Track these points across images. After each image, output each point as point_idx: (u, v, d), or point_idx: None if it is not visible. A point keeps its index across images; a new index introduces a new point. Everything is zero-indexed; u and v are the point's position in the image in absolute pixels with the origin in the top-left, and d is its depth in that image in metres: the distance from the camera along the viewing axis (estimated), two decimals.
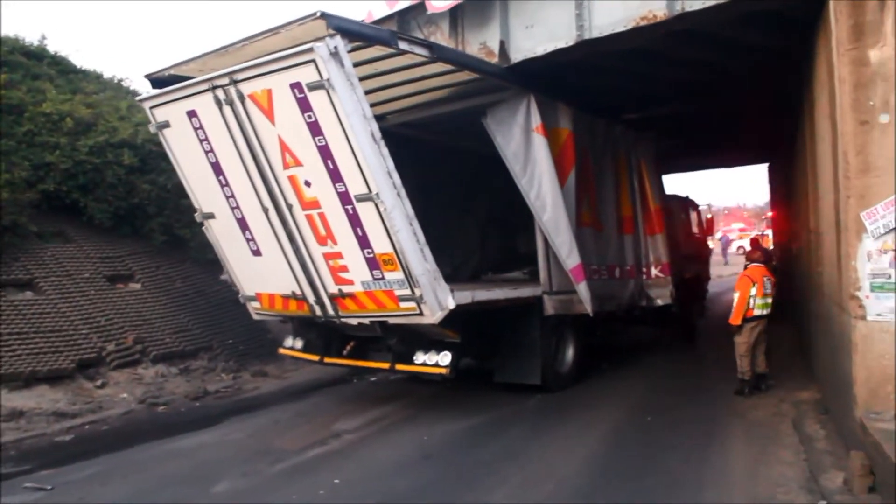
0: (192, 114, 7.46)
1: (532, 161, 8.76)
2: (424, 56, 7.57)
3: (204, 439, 7.85)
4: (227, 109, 7.13)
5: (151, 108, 7.81)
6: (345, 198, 6.88)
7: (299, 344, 9.16)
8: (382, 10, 9.99)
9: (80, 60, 16.03)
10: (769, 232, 25.99)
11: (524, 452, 6.96)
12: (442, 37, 9.66)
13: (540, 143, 8.77)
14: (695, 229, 14.73)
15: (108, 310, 11.29)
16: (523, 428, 7.91)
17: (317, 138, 6.71)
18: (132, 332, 11.12)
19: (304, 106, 6.60)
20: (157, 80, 7.97)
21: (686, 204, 14.61)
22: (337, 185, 6.85)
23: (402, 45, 7.26)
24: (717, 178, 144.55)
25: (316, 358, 8.94)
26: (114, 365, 10.27)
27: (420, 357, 7.93)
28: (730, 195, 76.86)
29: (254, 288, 8.58)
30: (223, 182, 7.72)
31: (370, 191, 6.66)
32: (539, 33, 8.86)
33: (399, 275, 7.02)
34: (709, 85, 11.42)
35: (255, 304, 8.75)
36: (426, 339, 7.94)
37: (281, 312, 8.56)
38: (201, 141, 7.56)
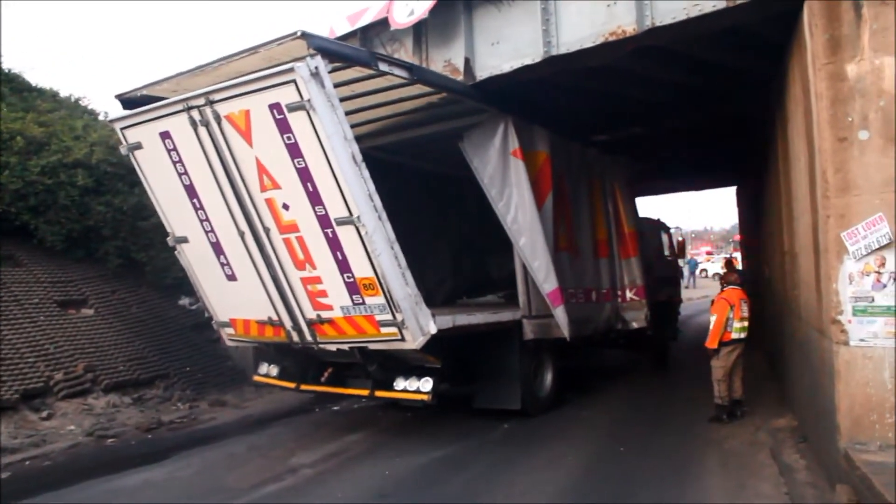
0: (165, 135, 7.50)
1: (509, 185, 8.97)
2: (404, 78, 7.74)
3: (151, 476, 7.69)
4: (202, 130, 7.19)
5: (123, 129, 7.82)
6: (324, 221, 6.95)
7: (274, 371, 9.20)
8: (344, 28, 10.02)
9: (37, 78, 16.02)
10: (737, 255, 26.67)
11: (488, 490, 6.86)
12: (406, 54, 9.72)
13: (517, 167, 9.00)
14: (666, 252, 15.15)
15: (57, 337, 11.16)
16: (490, 461, 7.84)
17: (296, 160, 6.77)
18: (83, 360, 10.98)
19: (284, 127, 6.67)
20: (129, 101, 8.05)
21: (657, 227, 15.00)
22: (316, 208, 6.93)
23: (382, 67, 7.42)
24: (684, 201, 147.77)
25: (292, 385, 8.98)
26: (62, 395, 10.13)
27: (400, 383, 8.03)
28: (696, 219, 79.03)
29: (228, 313, 8.60)
30: (197, 205, 7.75)
31: (351, 214, 6.74)
32: (505, 50, 8.90)
33: (380, 299, 7.10)
34: (678, 105, 11.66)
35: (230, 330, 8.76)
36: (406, 364, 8.05)
37: (256, 339, 8.58)
38: (175, 163, 7.60)
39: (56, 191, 12.31)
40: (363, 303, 7.25)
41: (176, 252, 8.58)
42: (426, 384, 7.87)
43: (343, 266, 7.14)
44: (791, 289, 8.75)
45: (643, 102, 11.33)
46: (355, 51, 7.82)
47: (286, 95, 6.52)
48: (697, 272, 38.83)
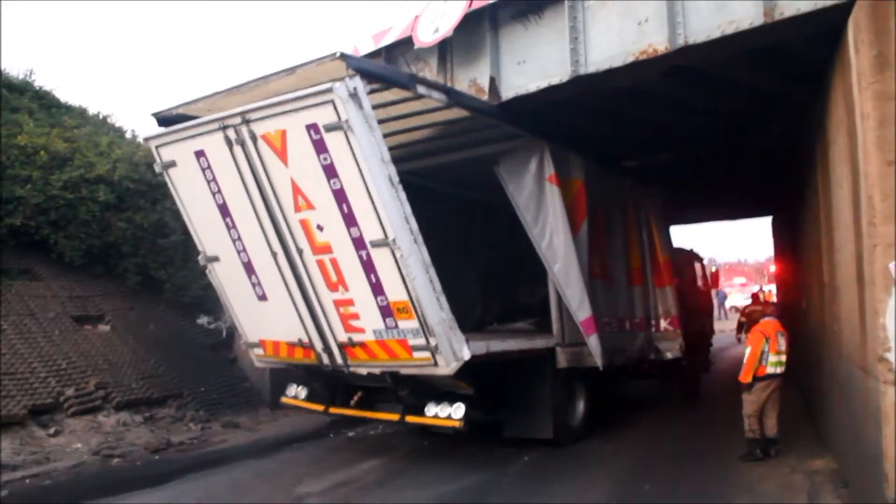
0: (200, 153, 7.66)
1: (544, 211, 9.08)
2: (441, 101, 7.88)
3: (149, 501, 7.66)
4: (237, 149, 7.33)
5: (157, 146, 7.99)
6: (359, 243, 7.05)
7: (303, 393, 9.29)
8: (368, 46, 10.10)
9: (66, 95, 16.44)
10: (770, 287, 26.53)
11: None
12: (430, 73, 9.74)
13: (553, 193, 9.12)
14: (699, 282, 15.21)
15: (71, 352, 11.29)
16: (507, 496, 7.74)
17: (332, 181, 6.89)
18: (95, 377, 11.09)
19: (320, 147, 6.79)
20: (164, 119, 8.23)
21: (691, 257, 15.09)
22: (351, 229, 7.02)
23: (421, 90, 7.53)
24: (717, 232, 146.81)
25: (320, 408, 9.06)
26: (71, 412, 10.22)
27: (432, 409, 8.08)
28: (730, 250, 78.69)
29: (258, 334, 8.71)
30: (230, 224, 7.89)
31: (386, 236, 6.82)
32: (531, 70, 8.82)
33: (414, 323, 7.17)
34: (710, 131, 11.53)
35: (259, 351, 8.87)
36: (437, 390, 8.10)
37: (285, 360, 8.67)
38: (209, 181, 7.75)
39: (77, 206, 12.58)
40: (396, 326, 7.33)
41: (207, 271, 8.73)
42: (458, 410, 7.92)
43: (377, 289, 7.22)
44: (831, 323, 8.39)
45: (674, 128, 11.28)
46: (394, 72, 7.98)
47: (324, 116, 6.64)
48: (727, 305, 38.38)
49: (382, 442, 10.35)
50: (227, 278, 8.52)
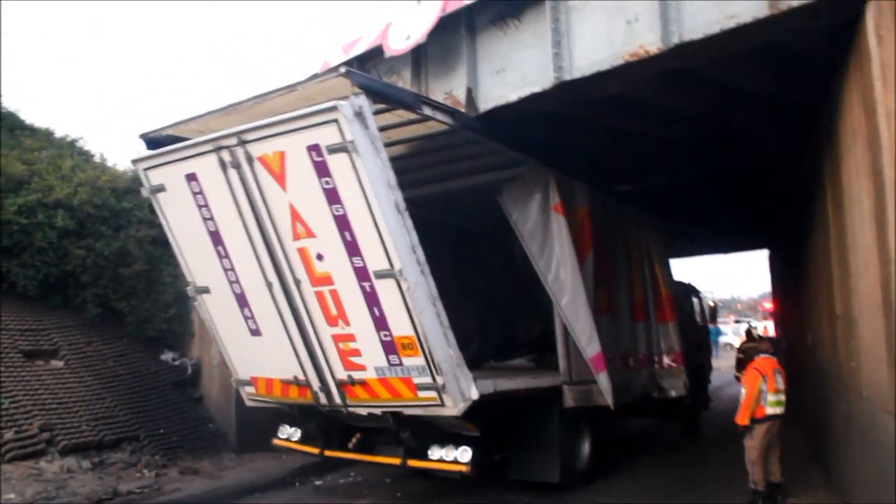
0: (191, 177, 7.53)
1: (550, 240, 9.09)
2: (446, 124, 7.88)
3: None
4: (232, 173, 7.22)
5: (146, 169, 7.85)
6: (362, 274, 6.92)
7: (296, 435, 9.13)
8: (338, 58, 9.97)
9: (33, 118, 16.25)
10: (764, 324, 26.87)
11: None
12: (404, 85, 9.60)
13: (559, 223, 9.14)
14: (697, 318, 15.39)
15: (16, 390, 10.95)
16: None
17: (334, 207, 6.77)
18: (41, 418, 10.70)
19: (322, 171, 6.67)
20: (153, 141, 8.09)
21: (688, 291, 15.28)
22: (354, 259, 6.90)
23: (426, 111, 7.53)
24: (709, 268, 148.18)
25: (315, 451, 8.90)
26: (9, 457, 9.83)
27: (436, 452, 7.95)
28: (724, 287, 79.94)
29: (249, 371, 8.54)
30: (222, 253, 7.75)
31: (392, 267, 6.71)
32: (511, 79, 8.66)
33: (419, 360, 7.05)
34: (707, 145, 11.32)
35: (250, 389, 8.69)
36: (441, 431, 7.99)
37: (279, 399, 8.49)
38: (200, 207, 7.61)
39: (32, 232, 12.34)
40: (400, 364, 7.20)
41: (196, 303, 8.54)
42: (464, 454, 7.80)
43: (380, 323, 7.10)
44: (846, 361, 8.10)
45: (668, 144, 11.09)
46: (399, 91, 7.90)
47: (327, 136, 6.52)
48: (721, 342, 38.70)
49: (351, 492, 10.12)
50: (217, 311, 8.35)
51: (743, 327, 28.90)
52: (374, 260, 6.84)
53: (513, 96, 8.62)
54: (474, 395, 7.21)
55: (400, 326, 7.03)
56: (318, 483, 10.75)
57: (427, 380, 7.15)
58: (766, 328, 22.79)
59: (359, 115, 6.47)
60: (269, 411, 10.94)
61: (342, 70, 6.62)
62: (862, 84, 6.18)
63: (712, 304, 18.80)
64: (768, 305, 29.19)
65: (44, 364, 12.09)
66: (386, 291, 6.92)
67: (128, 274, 13.25)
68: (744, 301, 75.65)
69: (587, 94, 8.53)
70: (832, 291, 8.82)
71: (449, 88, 9.22)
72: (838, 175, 7.77)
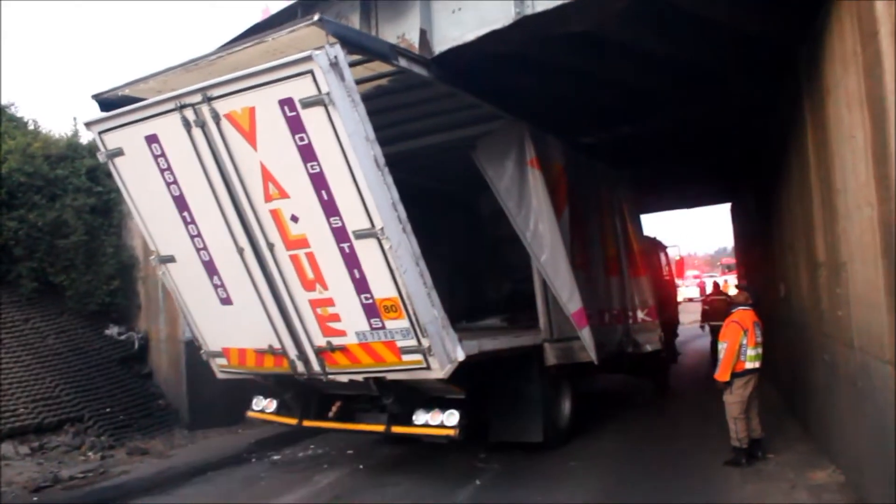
0: (152, 139, 7.28)
1: (527, 197, 9.10)
2: (422, 76, 7.78)
3: None
4: (196, 132, 6.99)
5: (101, 132, 7.57)
6: (340, 234, 6.79)
7: (272, 406, 9.04)
8: (280, 4, 9.61)
9: None
10: (724, 279, 27.49)
11: None
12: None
13: (535, 178, 9.15)
14: (664, 272, 15.70)
15: None
16: None
17: (309, 164, 6.59)
18: None
19: (296, 126, 6.48)
20: (107, 102, 7.78)
21: (655, 245, 15.54)
22: (331, 219, 6.76)
23: (402, 62, 7.42)
24: (665, 224, 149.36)
25: (293, 421, 8.81)
26: None
27: (421, 417, 7.93)
28: (679, 242, 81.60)
29: (220, 342, 8.37)
30: (188, 219, 7.54)
31: (373, 226, 6.59)
32: (469, 18, 8.37)
33: (403, 323, 6.97)
34: (675, 93, 11.22)
35: (221, 361, 8.53)
36: (425, 396, 7.99)
37: (253, 370, 8.36)
38: (163, 171, 7.38)
39: None
40: (383, 327, 7.12)
41: (161, 273, 8.32)
42: (451, 417, 7.79)
43: (360, 286, 6.98)
44: (830, 310, 7.91)
45: (633, 90, 10.92)
46: (374, 41, 7.70)
47: (301, 89, 6.33)
48: (679, 298, 39.51)
49: (311, 466, 9.98)
50: (184, 280, 8.14)
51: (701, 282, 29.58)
52: (354, 219, 6.70)
53: (470, 36, 8.33)
54: (460, 356, 7.19)
55: (382, 288, 6.92)
56: (275, 458, 10.60)
57: (412, 343, 7.09)
58: (726, 282, 23.36)
59: (334, 65, 6.27)
60: (220, 385, 10.80)
61: (315, 18, 6.37)
62: (858, 9, 5.94)
63: (679, 258, 19.22)
64: (728, 260, 29.85)
65: None
66: (366, 252, 6.81)
67: (65, 245, 12.92)
68: (701, 257, 77.41)
69: (551, 31, 8.27)
70: (812, 238, 8.69)
71: (401, 32, 8.93)
72: (822, 112, 7.60)
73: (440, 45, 8.57)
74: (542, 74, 9.90)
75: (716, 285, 19.01)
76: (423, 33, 8.64)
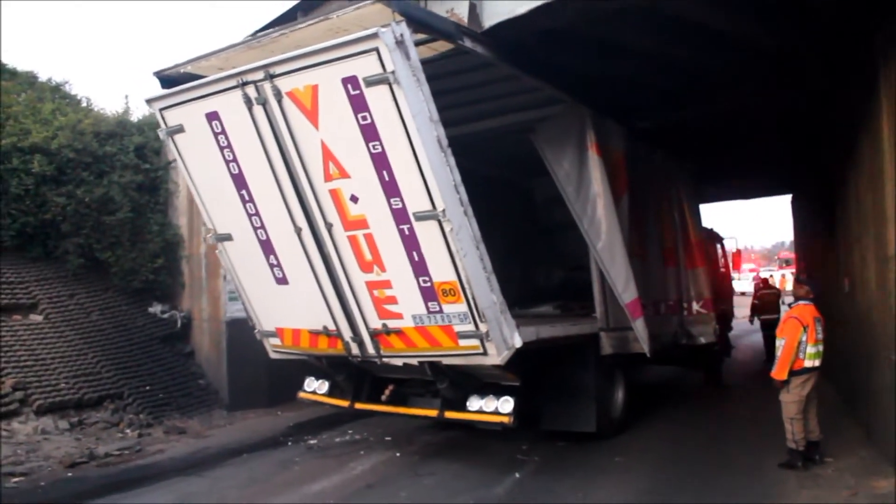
0: (212, 116, 7.41)
1: (586, 183, 9.15)
2: (486, 58, 7.81)
3: None
4: (258, 110, 7.10)
5: (162, 109, 7.74)
6: (400, 216, 6.85)
7: (324, 387, 9.23)
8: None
9: (16, 61, 16.02)
10: (781, 273, 27.34)
11: None
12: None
13: (595, 163, 9.20)
14: (720, 264, 15.73)
15: None
16: None
17: (371, 144, 6.64)
18: (15, 376, 10.67)
19: (359, 105, 6.53)
20: (168, 79, 7.98)
21: (712, 237, 15.58)
22: (392, 200, 6.81)
23: (467, 43, 7.45)
24: (721, 217, 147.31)
25: (345, 404, 8.98)
26: None
27: (475, 403, 8.01)
28: (734, 235, 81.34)
29: (274, 322, 8.53)
30: (246, 197, 7.68)
31: (434, 207, 6.63)
32: None
33: (461, 307, 7.02)
34: (742, 76, 10.89)
35: (275, 341, 8.69)
36: (479, 382, 8.07)
37: (307, 351, 8.50)
38: (222, 148, 7.52)
39: (7, 178, 12.27)
40: (440, 311, 7.18)
41: (217, 251, 8.49)
42: (506, 404, 7.84)
43: (419, 268, 7.04)
44: None
45: (696, 71, 10.63)
46: (440, 20, 7.69)
47: (365, 67, 6.37)
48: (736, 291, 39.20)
49: (347, 452, 9.93)
50: (240, 259, 8.31)
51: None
52: (415, 200, 6.76)
53: (521, 9, 8.03)
54: (518, 342, 7.22)
55: (441, 271, 6.98)
56: (312, 442, 10.59)
57: (469, 327, 7.13)
58: (784, 276, 23.30)
59: (400, 43, 6.31)
60: (260, 366, 11.01)
61: None
62: None
63: (736, 251, 19.21)
64: (785, 254, 29.61)
65: (21, 319, 12.07)
66: (426, 234, 6.86)
67: (112, 222, 13.19)
68: (758, 251, 76.87)
69: (603, 6, 8.11)
70: (883, 231, 8.29)
71: (450, 7, 8.65)
72: None
73: (489, 19, 8.41)
74: (598, 53, 9.71)
75: (764, 280, 19.22)
76: (472, 8, 8.49)
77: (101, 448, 9.99)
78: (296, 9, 9.11)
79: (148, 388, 12.22)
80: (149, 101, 7.98)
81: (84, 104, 15.39)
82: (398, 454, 9.75)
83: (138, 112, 14.77)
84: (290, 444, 10.58)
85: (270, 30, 7.36)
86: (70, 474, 9.08)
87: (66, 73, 49.61)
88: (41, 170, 12.56)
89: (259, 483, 8.68)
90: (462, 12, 8.46)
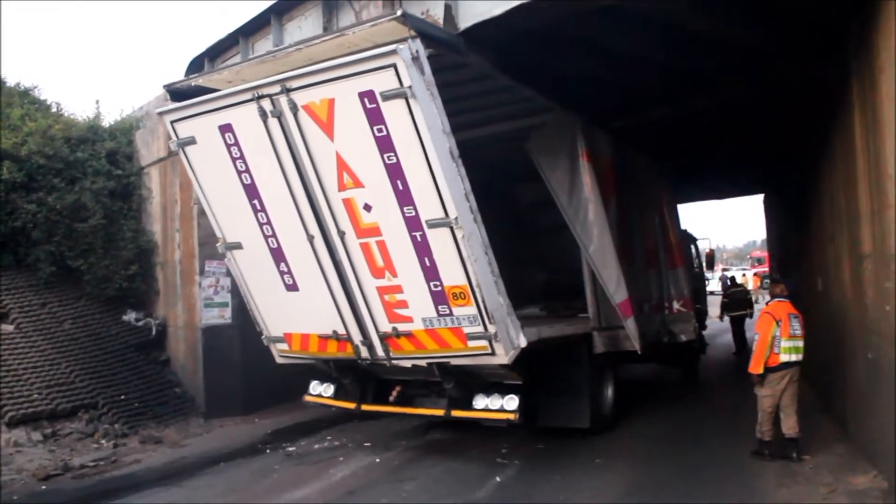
0: (226, 128, 7.79)
1: (578, 189, 9.77)
2: (486, 70, 8.37)
3: None
4: (272, 122, 7.49)
5: (173, 122, 8.09)
6: (413, 223, 7.30)
7: (329, 390, 9.65)
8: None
9: None
10: (753, 272, 28.38)
11: None
12: (376, 10, 9.56)
13: (586, 170, 9.83)
14: (694, 264, 16.67)
15: None
16: None
17: (386, 155, 7.07)
18: None
19: (375, 118, 6.94)
20: (178, 93, 8.30)
21: (687, 238, 16.31)
22: (405, 208, 7.26)
23: (473, 57, 7.97)
24: (692, 217, 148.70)
25: (351, 406, 9.42)
26: None
27: (480, 401, 8.57)
28: (705, 235, 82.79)
29: (283, 328, 8.93)
30: (257, 207, 8.09)
31: (447, 215, 7.10)
32: None
33: (471, 310, 7.51)
34: (710, 72, 11.19)
35: (282, 346, 9.09)
36: (483, 381, 8.60)
37: (315, 355, 8.93)
38: (235, 159, 7.91)
39: None
40: (450, 314, 7.66)
41: (226, 259, 8.87)
42: (511, 402, 8.44)
43: (430, 273, 7.51)
44: (875, 304, 7.85)
45: (668, 69, 11.00)
46: (450, 36, 8.21)
47: (382, 82, 6.77)
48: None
49: (326, 459, 10.16)
50: (249, 267, 8.70)
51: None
52: (428, 209, 7.22)
53: (497, 10, 8.47)
54: (523, 342, 7.75)
55: (452, 276, 7.46)
56: (290, 449, 10.78)
57: (478, 329, 7.63)
58: (757, 275, 24.44)
59: (416, 59, 6.75)
60: (237, 373, 11.53)
61: (398, 13, 6.86)
62: None
63: (709, 250, 20.16)
64: (757, 253, 30.70)
65: None
66: (438, 240, 7.33)
67: (84, 229, 13.36)
68: (729, 250, 78.50)
69: (580, 6, 8.50)
70: (857, 229, 8.60)
71: (425, 8, 9.16)
72: (873, 93, 7.43)
73: (464, 20, 8.84)
74: (575, 53, 10.20)
75: (732, 279, 20.79)
76: (447, 9, 8.96)
77: (76, 459, 10.12)
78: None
79: (123, 397, 12.36)
80: (160, 114, 8.36)
81: (54, 109, 15.54)
82: (378, 459, 10.00)
83: (110, 117, 14.94)
84: (268, 451, 10.76)
85: (284, 45, 7.73)
86: (44, 487, 9.24)
87: (35, 78, 48.62)
88: (10, 177, 12.71)
89: (238, 492, 8.89)
90: (437, 13, 8.95)
